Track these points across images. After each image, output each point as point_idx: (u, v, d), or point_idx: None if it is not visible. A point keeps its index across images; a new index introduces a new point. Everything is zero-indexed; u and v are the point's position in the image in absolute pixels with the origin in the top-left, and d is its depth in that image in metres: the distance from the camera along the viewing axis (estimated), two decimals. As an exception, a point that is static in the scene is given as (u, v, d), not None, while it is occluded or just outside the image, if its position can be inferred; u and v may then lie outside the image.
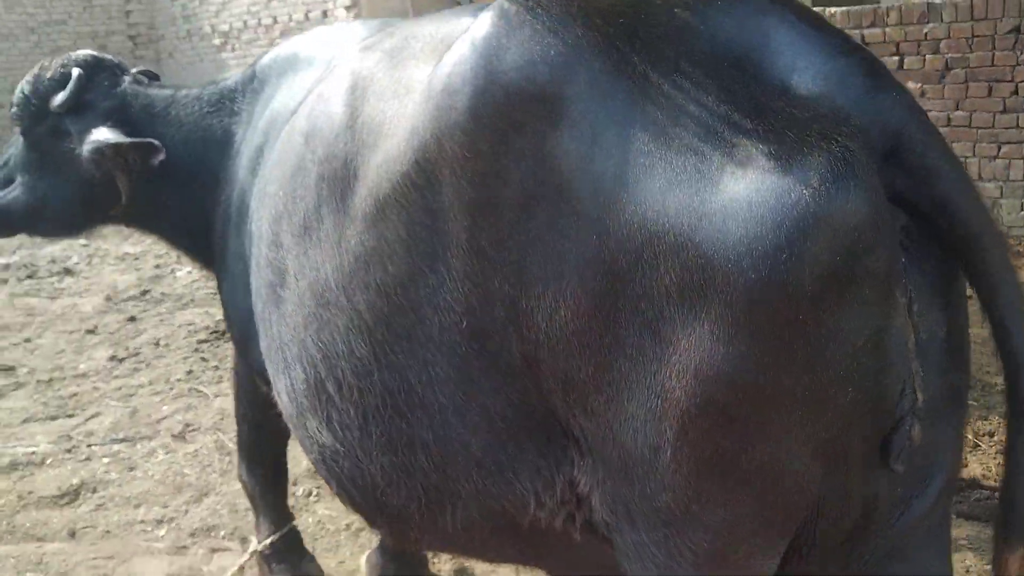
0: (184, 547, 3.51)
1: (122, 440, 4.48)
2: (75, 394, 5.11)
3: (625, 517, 1.38)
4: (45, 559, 3.43)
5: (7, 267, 7.78)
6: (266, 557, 2.80)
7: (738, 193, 1.16)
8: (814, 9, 1.45)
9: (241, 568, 2.79)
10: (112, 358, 5.65)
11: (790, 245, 1.12)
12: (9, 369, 5.45)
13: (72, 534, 3.62)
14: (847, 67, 1.27)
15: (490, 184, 1.36)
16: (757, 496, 1.27)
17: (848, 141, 1.18)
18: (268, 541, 2.70)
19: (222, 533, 3.59)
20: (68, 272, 7.66)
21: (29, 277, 7.59)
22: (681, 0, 1.34)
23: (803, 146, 1.17)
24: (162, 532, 3.63)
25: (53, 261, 7.91)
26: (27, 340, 6.01)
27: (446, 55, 1.45)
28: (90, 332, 6.18)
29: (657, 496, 1.31)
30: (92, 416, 4.79)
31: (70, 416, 4.81)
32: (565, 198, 1.29)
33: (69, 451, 4.37)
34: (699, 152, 1.20)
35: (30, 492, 3.95)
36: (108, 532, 3.64)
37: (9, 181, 2.90)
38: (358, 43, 1.98)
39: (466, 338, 1.47)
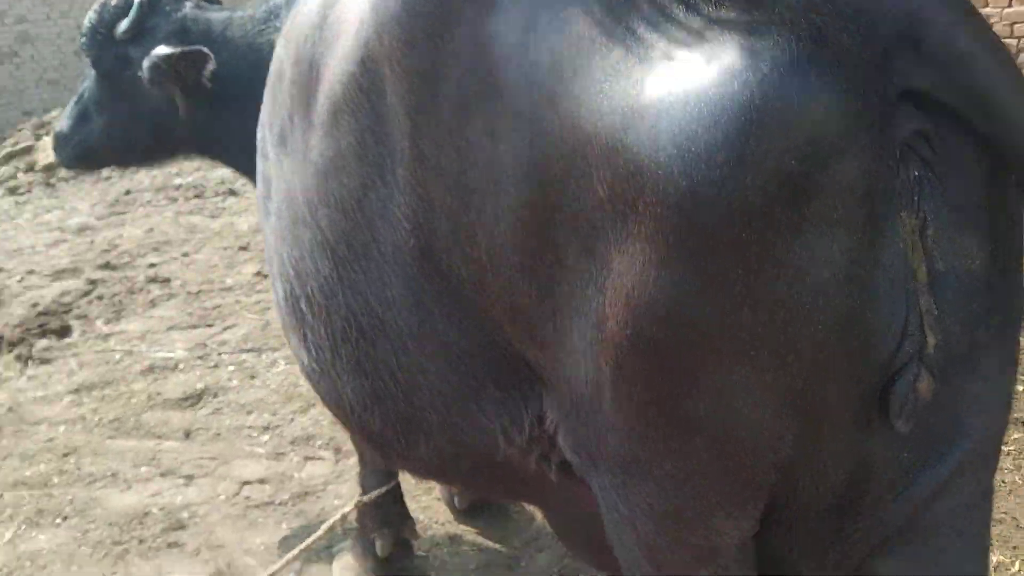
0: (282, 453, 3.64)
1: (249, 350, 4.72)
2: (218, 306, 5.43)
3: (587, 459, 1.26)
4: (159, 455, 3.69)
5: (179, 187, 8.38)
6: (368, 513, 2.74)
7: (676, 84, 0.97)
8: None
9: (343, 517, 2.72)
10: (257, 273, 5.93)
11: (729, 145, 0.92)
12: (165, 281, 5.88)
13: (187, 434, 3.87)
14: None
15: (428, 81, 1.25)
16: (709, 449, 1.08)
17: (823, 19, 0.94)
18: (375, 495, 2.67)
19: (319, 443, 3.69)
20: (232, 192, 8.12)
21: (196, 196, 8.14)
22: None
23: (762, 26, 0.95)
24: (265, 438, 3.79)
25: (222, 182, 8.41)
26: (185, 255, 6.46)
27: None
28: (242, 248, 6.52)
29: (606, 438, 1.17)
30: (228, 327, 5.08)
31: (209, 326, 5.12)
32: (501, 95, 1.15)
33: (201, 358, 4.66)
34: (641, 37, 1.02)
35: (159, 394, 4.26)
36: (218, 435, 3.86)
37: (84, 115, 3.04)
38: None
39: (416, 257, 1.36)
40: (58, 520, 3.26)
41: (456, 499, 3.03)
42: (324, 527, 2.62)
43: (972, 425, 1.09)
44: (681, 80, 0.96)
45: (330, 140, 1.46)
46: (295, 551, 2.60)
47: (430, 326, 1.38)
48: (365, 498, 2.65)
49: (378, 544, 2.69)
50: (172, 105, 2.65)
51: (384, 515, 2.73)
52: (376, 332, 1.47)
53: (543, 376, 1.27)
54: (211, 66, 2.48)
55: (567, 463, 1.33)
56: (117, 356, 4.74)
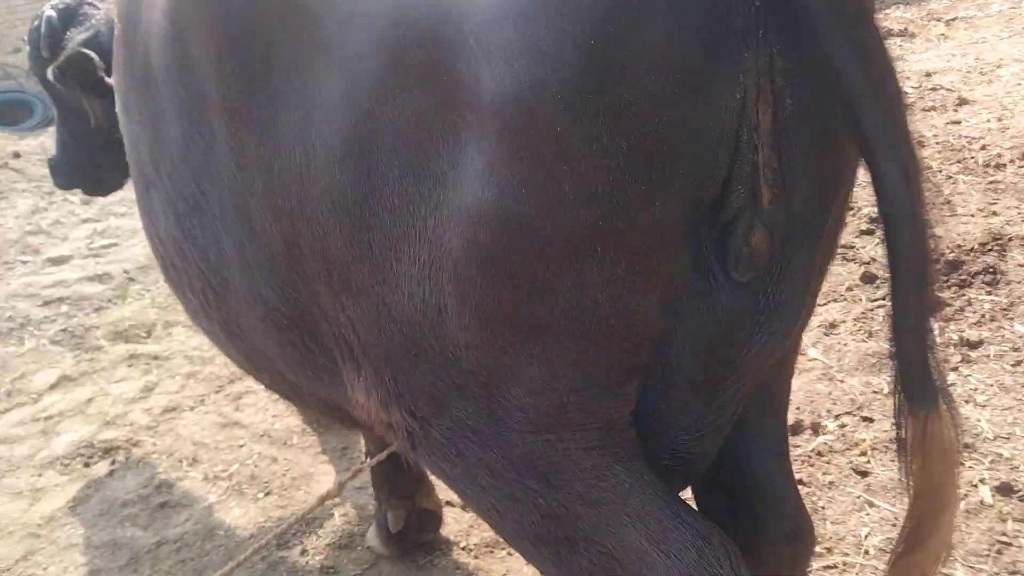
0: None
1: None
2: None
3: (430, 404, 1.15)
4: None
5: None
6: (379, 485, 2.50)
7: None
8: None
9: (340, 486, 2.49)
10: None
11: (524, 23, 0.88)
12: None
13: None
14: None
15: (231, 26, 1.19)
16: (573, 344, 1.02)
17: None
18: (375, 460, 2.39)
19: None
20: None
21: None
22: None
23: None
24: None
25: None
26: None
27: None
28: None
29: (460, 361, 1.08)
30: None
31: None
32: (307, 23, 1.08)
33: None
34: None
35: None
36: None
37: (61, 139, 3.08)
38: None
39: (237, 214, 1.29)
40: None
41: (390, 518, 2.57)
42: (316, 499, 2.32)
43: (798, 292, 1.08)
44: None
45: (150, 99, 1.43)
46: (292, 518, 2.22)
47: (257, 289, 1.31)
48: (365, 464, 2.35)
49: (390, 517, 2.42)
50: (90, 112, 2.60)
51: (393, 485, 2.44)
52: (222, 290, 1.42)
53: (361, 338, 1.17)
54: (97, 64, 2.42)
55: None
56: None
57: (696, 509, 1.30)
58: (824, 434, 2.79)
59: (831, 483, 2.60)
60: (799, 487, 1.46)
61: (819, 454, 2.72)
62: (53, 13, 2.65)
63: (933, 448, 1.00)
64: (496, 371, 1.06)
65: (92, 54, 2.44)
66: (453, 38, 0.92)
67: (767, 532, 1.35)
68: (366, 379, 1.21)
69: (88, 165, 3.04)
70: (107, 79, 2.43)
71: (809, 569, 1.52)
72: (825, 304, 3.51)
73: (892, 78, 0.89)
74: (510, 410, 1.08)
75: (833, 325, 3.36)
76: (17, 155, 7.17)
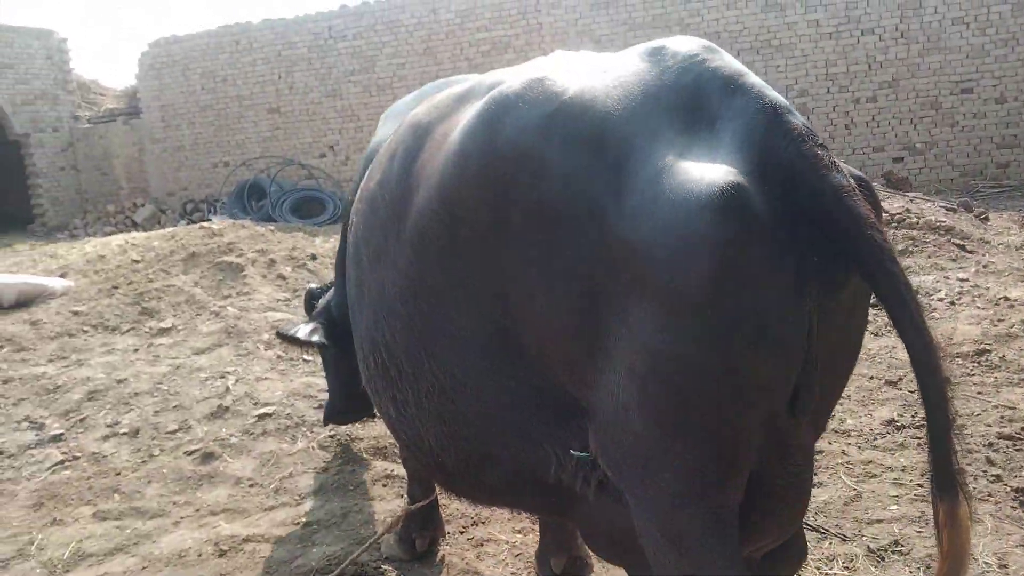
0: None
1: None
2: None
3: (614, 466, 1.62)
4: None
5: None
6: (412, 517, 3.46)
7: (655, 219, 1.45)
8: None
9: (397, 521, 3.39)
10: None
11: (687, 249, 1.40)
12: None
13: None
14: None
15: (497, 223, 1.68)
16: (709, 444, 1.50)
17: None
18: (420, 506, 3.43)
19: None
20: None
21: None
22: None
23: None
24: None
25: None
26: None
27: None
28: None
29: (634, 446, 1.55)
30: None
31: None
32: (555, 229, 1.58)
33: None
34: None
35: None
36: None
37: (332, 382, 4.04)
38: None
39: (491, 336, 1.78)
40: None
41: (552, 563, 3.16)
42: (382, 530, 3.48)
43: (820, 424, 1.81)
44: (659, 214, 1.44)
45: (416, 258, 1.90)
46: (363, 547, 3.38)
47: (500, 382, 1.79)
48: (414, 507, 3.42)
49: (417, 541, 3.45)
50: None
51: (425, 520, 3.48)
52: (455, 389, 1.89)
53: (587, 410, 1.64)
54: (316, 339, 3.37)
55: (603, 482, 1.70)
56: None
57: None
58: None
59: None
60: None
61: None
62: (311, 286, 3.97)
63: (955, 526, 1.43)
64: (655, 455, 1.53)
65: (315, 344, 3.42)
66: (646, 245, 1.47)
67: (792, 557, 1.99)
68: (583, 440, 1.71)
69: (350, 407, 3.81)
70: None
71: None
72: None
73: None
74: (657, 487, 1.54)
75: None
76: (314, 257, 8.00)
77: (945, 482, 1.43)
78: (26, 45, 17.19)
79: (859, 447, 4.21)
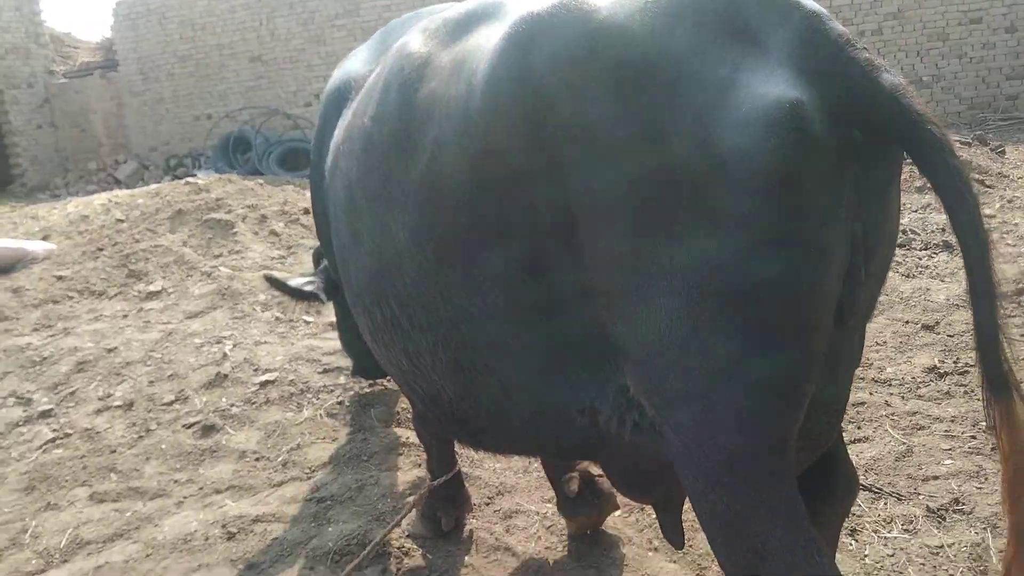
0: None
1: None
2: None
3: (663, 400, 1.53)
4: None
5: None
6: (436, 493, 3.18)
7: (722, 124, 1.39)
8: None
9: (420, 497, 3.16)
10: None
11: (755, 170, 1.36)
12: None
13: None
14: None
15: (531, 146, 1.57)
16: (781, 361, 1.45)
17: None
18: (442, 480, 3.16)
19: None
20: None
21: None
22: None
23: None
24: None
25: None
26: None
27: None
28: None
29: (685, 373, 1.47)
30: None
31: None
32: (596, 145, 1.49)
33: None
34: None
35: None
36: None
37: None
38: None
39: (521, 273, 1.67)
40: None
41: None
42: (407, 507, 3.13)
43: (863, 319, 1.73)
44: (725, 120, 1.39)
45: (432, 196, 1.77)
46: (383, 532, 3.07)
47: (526, 324, 1.71)
48: (435, 483, 3.15)
49: (443, 519, 3.19)
50: None
51: (448, 496, 3.19)
52: (475, 336, 1.80)
53: (626, 348, 1.56)
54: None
55: (639, 422, 1.63)
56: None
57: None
58: None
59: None
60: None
61: None
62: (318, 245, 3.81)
63: (1013, 425, 1.42)
64: (721, 375, 1.46)
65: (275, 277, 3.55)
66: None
67: (836, 490, 1.92)
68: (621, 380, 1.66)
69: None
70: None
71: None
72: None
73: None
74: (723, 415, 1.47)
75: None
76: (307, 211, 7.63)
77: (997, 382, 1.42)
78: (-8, -3, 16.41)
79: (903, 397, 3.97)
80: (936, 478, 3.27)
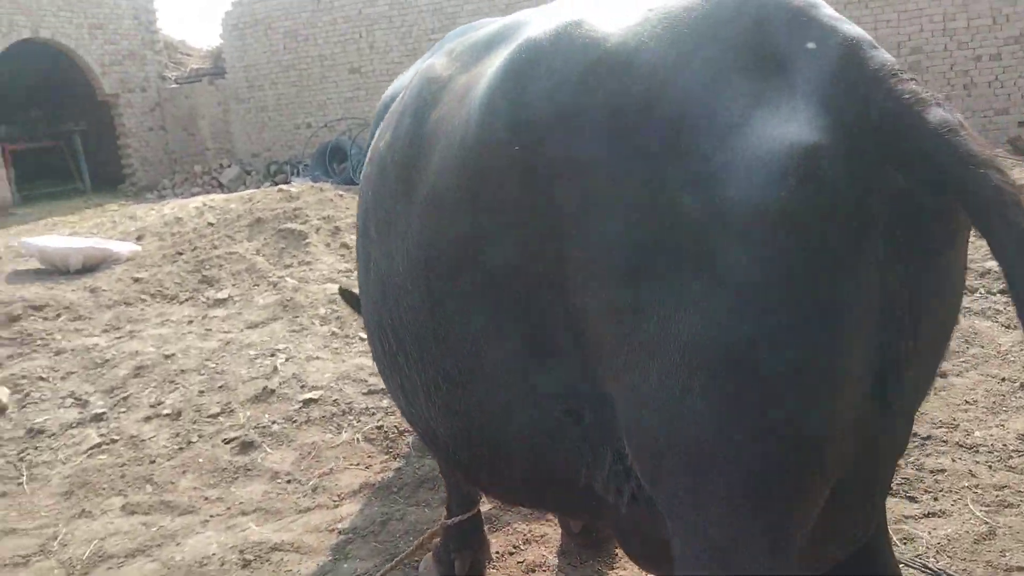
0: None
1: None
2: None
3: (650, 471, 1.37)
4: None
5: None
6: (451, 534, 2.97)
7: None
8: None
9: (432, 535, 3.03)
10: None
11: (763, 223, 1.18)
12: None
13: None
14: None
15: (527, 185, 1.44)
16: (784, 446, 1.24)
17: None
18: (457, 520, 2.91)
19: None
20: None
21: None
22: None
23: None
24: None
25: None
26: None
27: None
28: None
29: (681, 446, 1.29)
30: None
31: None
32: (594, 193, 1.35)
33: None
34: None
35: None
36: None
37: None
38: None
39: (510, 317, 1.54)
40: None
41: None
42: (414, 544, 3.02)
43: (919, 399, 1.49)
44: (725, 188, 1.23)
45: (429, 227, 1.67)
46: (389, 565, 2.93)
47: (520, 374, 1.56)
48: (449, 521, 2.91)
49: (457, 563, 2.95)
50: None
51: (465, 538, 2.98)
52: (467, 380, 1.68)
53: (618, 407, 1.40)
54: None
55: (636, 494, 1.48)
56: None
57: None
58: None
59: None
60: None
61: None
62: None
63: None
64: (711, 455, 1.27)
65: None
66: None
67: None
68: (617, 445, 1.49)
69: None
70: None
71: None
72: None
73: None
74: (711, 499, 1.28)
75: None
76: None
77: None
78: (114, 5, 17.32)
79: (990, 467, 3.54)
80: (1021, 570, 2.87)
